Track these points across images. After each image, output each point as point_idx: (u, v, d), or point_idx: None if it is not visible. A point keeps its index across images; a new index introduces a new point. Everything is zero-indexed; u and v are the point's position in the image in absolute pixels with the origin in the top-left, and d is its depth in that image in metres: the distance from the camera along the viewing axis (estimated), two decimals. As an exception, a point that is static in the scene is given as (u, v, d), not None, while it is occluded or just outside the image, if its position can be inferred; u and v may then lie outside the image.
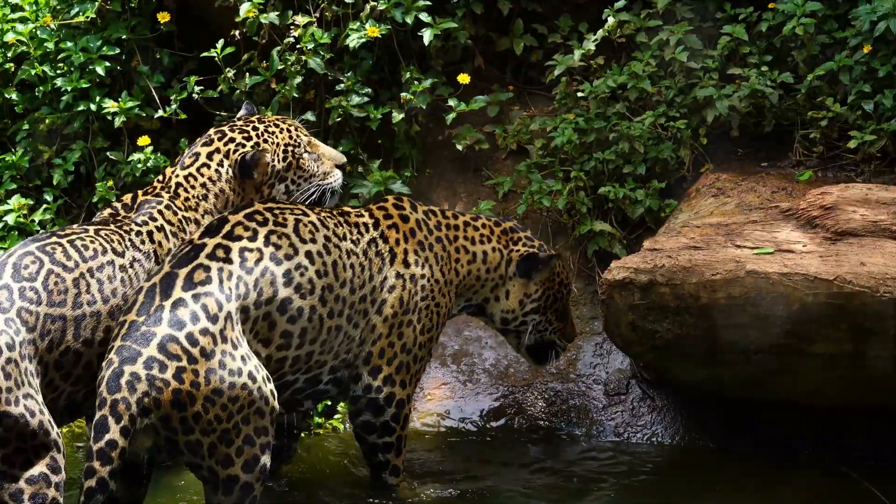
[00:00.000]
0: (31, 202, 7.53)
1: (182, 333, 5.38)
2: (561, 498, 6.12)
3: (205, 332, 5.40)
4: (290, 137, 6.37)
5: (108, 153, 7.64)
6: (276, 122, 6.41)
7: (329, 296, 5.80)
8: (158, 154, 7.51)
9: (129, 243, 5.99)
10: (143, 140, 7.48)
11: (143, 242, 6.04)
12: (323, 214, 5.96)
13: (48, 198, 7.58)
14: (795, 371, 6.19)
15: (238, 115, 6.59)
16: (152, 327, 5.41)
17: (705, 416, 6.67)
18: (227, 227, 5.71)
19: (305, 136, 6.41)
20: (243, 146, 6.32)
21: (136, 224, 6.09)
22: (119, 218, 6.18)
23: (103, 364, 5.44)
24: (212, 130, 6.40)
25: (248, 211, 5.83)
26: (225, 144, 6.34)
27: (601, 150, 7.23)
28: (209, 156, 6.34)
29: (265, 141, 6.37)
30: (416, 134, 7.53)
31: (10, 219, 7.43)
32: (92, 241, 5.90)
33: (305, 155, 6.36)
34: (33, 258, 5.76)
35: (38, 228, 7.39)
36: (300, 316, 5.72)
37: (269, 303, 5.64)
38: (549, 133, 7.37)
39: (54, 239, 5.86)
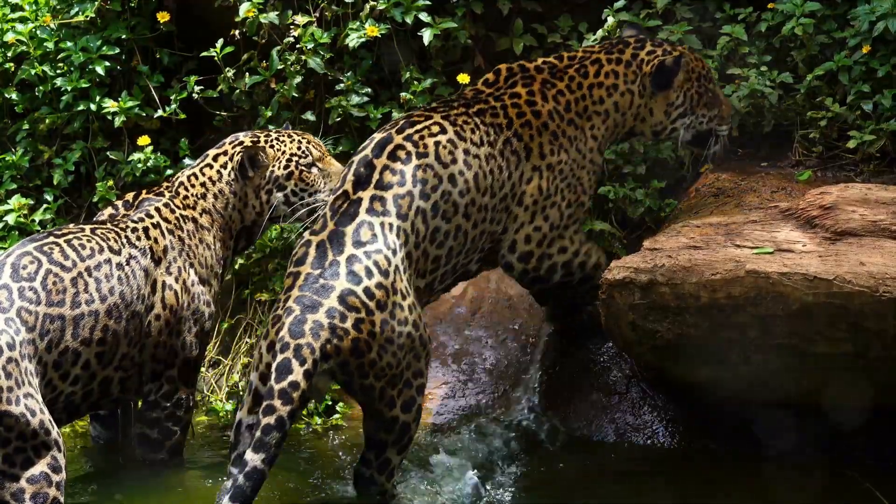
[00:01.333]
0: (32, 202, 7.53)
1: (360, 288, 5.79)
2: (561, 497, 6.12)
3: (379, 286, 5.82)
4: (299, 149, 6.42)
5: (108, 153, 7.64)
6: (292, 134, 6.50)
7: (472, 209, 6.19)
8: (158, 154, 7.52)
9: (125, 240, 6.01)
10: (143, 140, 7.48)
11: (138, 239, 6.06)
12: (460, 121, 6.24)
13: (48, 198, 7.58)
14: (795, 371, 6.19)
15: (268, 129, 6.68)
16: (330, 280, 5.80)
17: (705, 416, 6.67)
18: (377, 175, 6.03)
19: (319, 152, 6.45)
20: (248, 147, 6.38)
21: (132, 221, 6.11)
22: (118, 216, 6.20)
23: (280, 312, 5.73)
24: (228, 138, 6.49)
25: (390, 148, 6.08)
26: (233, 147, 6.41)
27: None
28: (215, 157, 6.40)
29: (270, 147, 6.41)
30: (415, 134, 7.52)
31: (11, 219, 7.43)
32: (89, 240, 5.91)
33: (314, 170, 6.40)
34: (32, 258, 5.76)
35: (39, 228, 7.39)
36: (447, 238, 6.13)
37: (424, 239, 6.05)
38: (549, 133, 7.36)
39: (52, 238, 5.87)
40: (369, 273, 5.83)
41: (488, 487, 6.20)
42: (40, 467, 5.48)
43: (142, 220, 6.13)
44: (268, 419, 5.55)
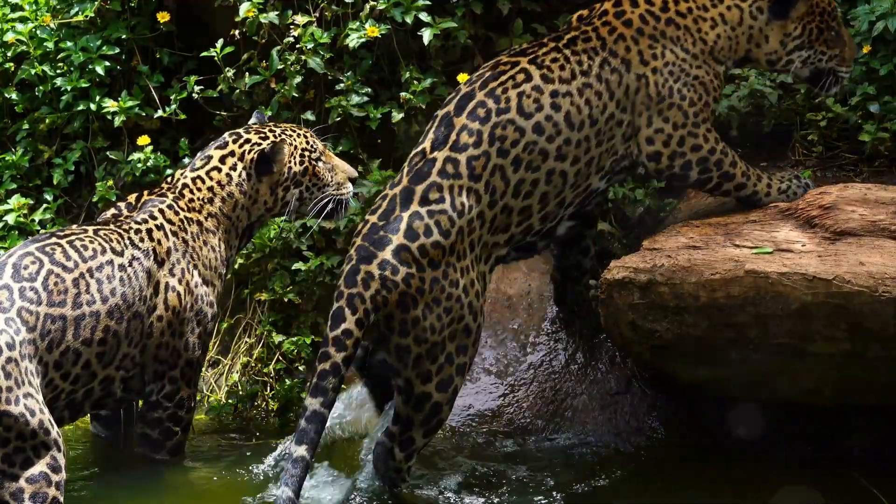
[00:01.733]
0: (31, 202, 7.53)
1: (415, 245, 5.94)
2: (560, 497, 6.12)
3: (436, 245, 5.94)
4: (307, 143, 6.41)
5: (108, 153, 7.64)
6: (293, 127, 6.47)
7: (568, 148, 6.21)
8: (158, 154, 7.52)
9: (127, 242, 6.01)
10: (143, 140, 7.48)
11: (142, 240, 6.05)
12: (548, 60, 6.25)
13: (48, 197, 7.58)
14: (795, 371, 6.19)
15: (250, 122, 6.61)
16: (389, 234, 5.97)
17: (705, 416, 6.67)
18: (454, 136, 6.11)
19: (320, 145, 6.46)
20: (259, 145, 6.33)
21: (136, 222, 6.11)
22: (120, 217, 6.19)
23: (346, 259, 5.97)
24: (227, 134, 6.42)
25: (471, 106, 6.14)
26: (240, 147, 6.35)
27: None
28: (222, 159, 6.35)
29: (282, 138, 6.39)
30: (415, 134, 7.52)
31: (10, 218, 7.43)
32: (91, 241, 5.91)
33: (321, 164, 6.39)
34: (33, 258, 5.77)
35: (38, 228, 7.39)
36: (536, 186, 6.17)
37: (504, 195, 6.11)
38: (549, 133, 7.36)
39: (54, 239, 5.87)
40: (428, 231, 5.96)
41: (488, 486, 6.20)
42: (40, 467, 5.48)
43: (145, 221, 6.13)
44: (323, 365, 5.83)
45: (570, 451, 6.60)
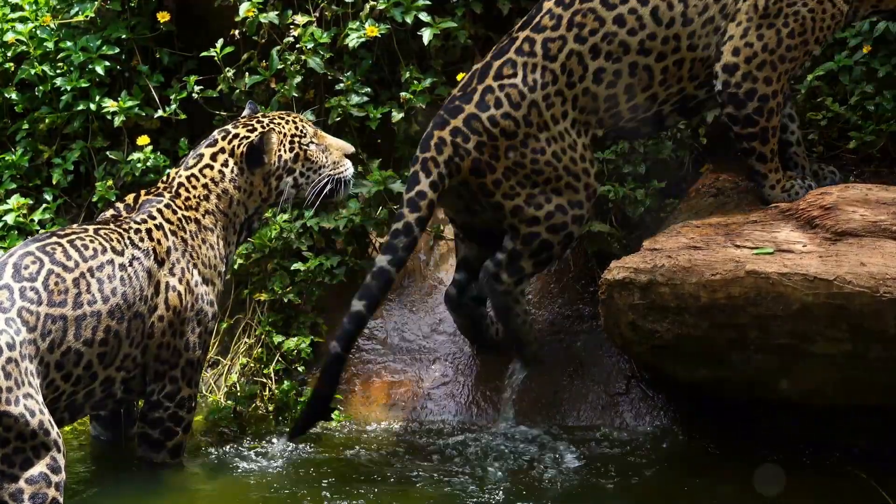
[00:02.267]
0: (31, 202, 7.53)
1: (485, 115, 6.35)
2: (561, 497, 6.12)
3: (506, 116, 6.32)
4: (297, 128, 6.40)
5: (107, 153, 7.64)
6: (281, 115, 6.45)
7: (653, 43, 6.30)
8: (158, 154, 7.51)
9: (127, 241, 6.01)
10: (143, 139, 7.48)
11: (141, 240, 6.05)
12: None
13: (48, 197, 7.58)
14: (795, 371, 6.19)
15: (242, 115, 6.60)
16: (463, 104, 6.42)
17: (705, 416, 6.67)
18: (538, 18, 6.44)
19: (311, 127, 6.44)
20: (247, 138, 6.33)
21: (136, 222, 6.11)
22: (119, 217, 6.19)
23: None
24: (216, 131, 6.42)
25: None
26: (229, 143, 6.36)
27: (600, 149, 7.23)
28: (213, 156, 6.36)
29: (270, 128, 6.37)
30: (415, 133, 7.52)
31: (10, 218, 7.43)
32: (92, 241, 5.91)
33: (313, 146, 6.39)
34: (34, 258, 5.76)
35: (38, 228, 7.39)
36: (619, 77, 6.32)
37: (582, 80, 6.30)
38: (549, 133, 7.36)
39: (54, 239, 5.87)
40: (498, 104, 6.34)
41: (488, 487, 6.20)
42: (39, 468, 5.48)
43: (144, 221, 6.13)
44: (396, 225, 6.31)
45: (571, 452, 6.59)
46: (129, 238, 6.03)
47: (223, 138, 6.39)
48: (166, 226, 6.15)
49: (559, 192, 6.30)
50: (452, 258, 7.33)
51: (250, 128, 6.39)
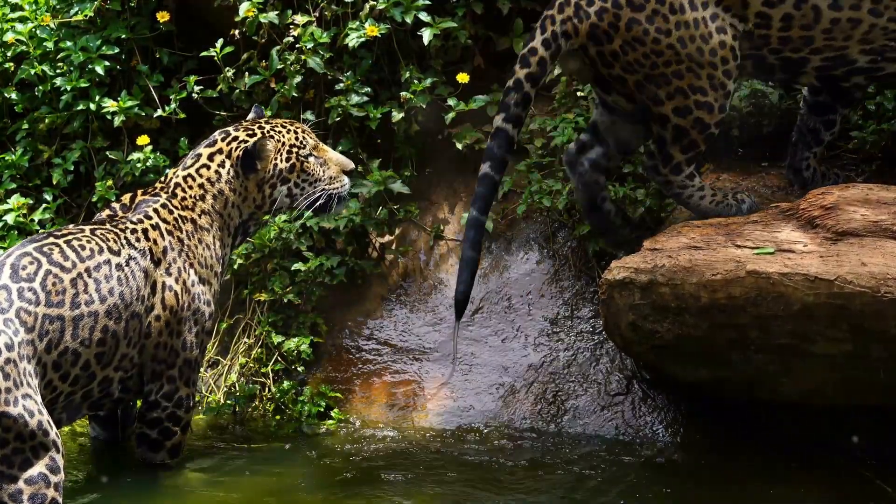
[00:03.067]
0: (31, 201, 7.53)
1: None
2: (561, 498, 6.12)
3: None
4: (296, 139, 6.38)
5: (107, 152, 7.63)
6: (284, 123, 6.43)
7: None
8: (158, 153, 7.51)
9: (124, 241, 6.01)
10: (143, 139, 7.48)
11: (138, 240, 6.05)
12: None
13: (48, 197, 7.58)
14: (796, 371, 6.18)
15: (247, 118, 6.60)
16: None
17: (706, 417, 6.66)
18: None
19: (312, 139, 6.42)
20: (246, 143, 6.33)
21: (132, 222, 6.11)
22: (116, 217, 6.19)
23: None
24: (217, 132, 6.42)
25: None
26: (227, 144, 6.36)
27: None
28: (210, 157, 6.36)
29: (270, 138, 6.37)
30: (415, 133, 7.52)
31: (10, 218, 7.43)
32: (89, 241, 5.91)
33: (311, 159, 6.36)
34: (31, 258, 5.76)
35: (38, 228, 7.39)
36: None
37: None
38: (549, 133, 7.36)
39: (51, 239, 5.87)
40: None
41: (488, 487, 6.19)
42: (38, 468, 5.47)
43: (141, 221, 6.13)
44: (508, 83, 6.33)
45: (571, 452, 6.59)
46: (126, 238, 6.03)
47: (223, 139, 6.39)
48: (162, 225, 6.15)
49: (679, 76, 6.16)
50: (452, 258, 7.33)
51: (251, 132, 6.39)
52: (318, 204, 6.41)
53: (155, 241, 6.09)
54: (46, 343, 5.67)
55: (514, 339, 7.12)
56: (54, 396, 5.76)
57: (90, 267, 5.87)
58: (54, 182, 7.60)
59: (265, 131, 6.40)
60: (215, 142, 6.40)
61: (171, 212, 6.21)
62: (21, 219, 7.43)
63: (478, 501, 6.08)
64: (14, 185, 7.64)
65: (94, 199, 7.49)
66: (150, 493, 6.09)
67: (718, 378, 6.34)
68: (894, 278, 5.92)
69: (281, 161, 6.35)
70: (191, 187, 6.31)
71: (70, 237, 5.91)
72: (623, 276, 6.23)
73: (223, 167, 6.35)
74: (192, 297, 6.17)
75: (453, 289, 6.96)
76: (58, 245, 5.85)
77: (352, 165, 6.52)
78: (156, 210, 6.20)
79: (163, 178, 6.41)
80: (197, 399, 7.00)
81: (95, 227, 6.05)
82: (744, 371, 6.24)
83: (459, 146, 7.48)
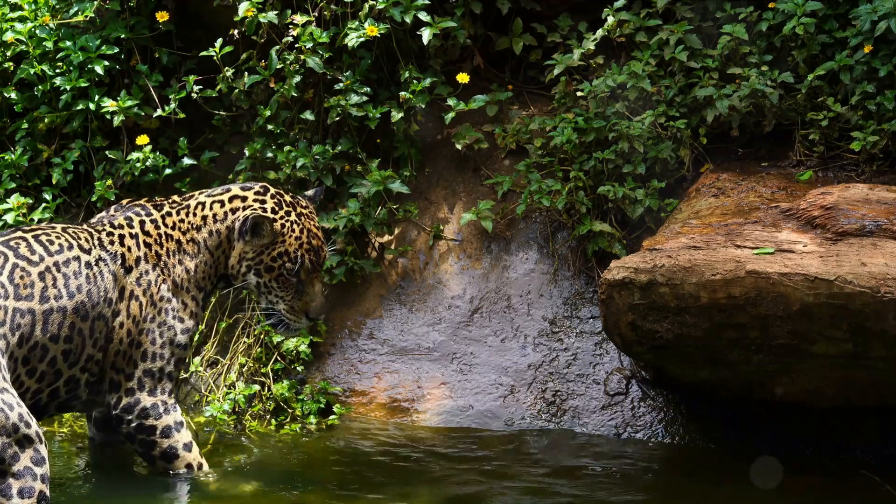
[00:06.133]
0: (31, 201, 7.52)
1: None
2: (561, 497, 6.11)
3: None
4: (296, 252, 6.13)
5: (106, 152, 7.63)
6: (312, 228, 6.17)
7: None
8: (157, 153, 7.51)
9: (96, 242, 5.99)
10: (142, 139, 7.47)
11: (111, 243, 6.02)
12: None
13: (47, 197, 7.57)
14: (796, 371, 6.18)
15: (307, 192, 6.42)
16: None
17: (705, 416, 6.66)
18: None
19: (313, 265, 6.17)
20: (263, 213, 6.12)
21: (111, 226, 6.09)
22: (100, 218, 6.17)
23: None
24: (260, 184, 6.24)
25: None
26: (253, 200, 6.19)
27: (601, 149, 7.22)
28: (232, 198, 6.20)
29: (281, 226, 6.18)
30: (414, 133, 7.51)
31: (10, 217, 7.42)
32: (58, 237, 5.90)
33: (293, 279, 6.14)
34: None
35: (37, 228, 7.39)
36: None
37: None
38: (549, 132, 7.35)
39: (19, 233, 5.88)
40: None
41: (487, 487, 6.18)
42: (24, 461, 5.44)
43: (120, 226, 6.09)
44: None
45: (570, 452, 6.58)
46: (99, 239, 6.01)
47: (254, 192, 6.22)
48: (142, 237, 6.09)
49: None
50: (452, 258, 7.33)
51: (279, 206, 6.19)
52: (269, 317, 6.24)
53: (129, 249, 6.04)
54: (19, 337, 5.66)
55: (514, 338, 7.12)
56: (22, 393, 5.72)
57: (59, 262, 5.86)
58: (54, 181, 7.60)
59: (288, 220, 6.16)
60: (249, 189, 6.25)
61: (157, 227, 6.14)
62: (21, 218, 7.42)
63: (477, 501, 6.07)
64: (14, 185, 7.64)
65: (94, 198, 7.48)
66: (149, 493, 6.08)
67: (718, 378, 6.33)
68: (894, 278, 5.92)
69: (267, 256, 6.16)
70: (195, 214, 6.22)
71: (38, 233, 5.91)
72: (623, 276, 6.23)
73: (233, 214, 6.22)
74: (157, 311, 6.06)
75: (452, 288, 6.99)
76: (24, 240, 5.85)
77: (320, 317, 6.29)
78: (141, 221, 6.13)
79: (186, 195, 6.30)
80: (196, 399, 6.98)
81: (68, 225, 6.04)
82: (744, 371, 6.24)
83: (459, 146, 7.48)
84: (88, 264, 5.93)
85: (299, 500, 6.05)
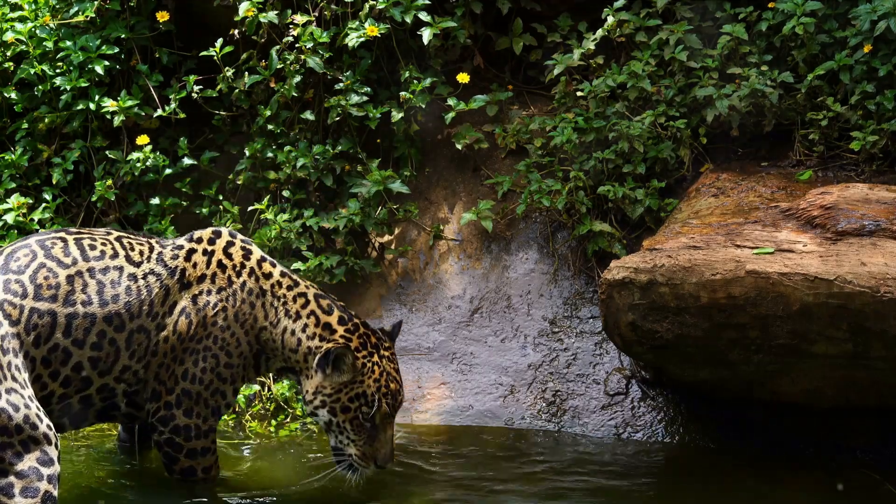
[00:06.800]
0: (31, 201, 7.52)
1: None
2: (560, 497, 6.11)
3: None
4: (373, 395, 5.90)
5: (107, 152, 7.63)
6: (393, 371, 5.97)
7: None
8: (157, 153, 7.51)
9: (155, 256, 5.86)
10: (142, 139, 7.47)
11: (174, 258, 5.87)
12: None
13: (47, 197, 7.57)
14: (796, 371, 6.18)
15: (396, 323, 6.18)
16: None
17: (705, 416, 6.66)
18: None
19: (394, 409, 5.96)
20: (348, 347, 5.89)
21: (184, 240, 5.94)
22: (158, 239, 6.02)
23: None
24: (355, 324, 5.99)
25: None
26: (347, 329, 5.96)
27: (601, 149, 7.22)
28: (321, 309, 5.99)
29: (363, 365, 5.94)
30: (415, 133, 7.52)
31: (10, 217, 7.42)
32: (104, 244, 5.83)
33: (367, 425, 5.92)
34: (28, 251, 5.72)
35: (38, 227, 7.38)
36: None
37: None
38: (549, 132, 7.36)
39: (61, 234, 5.83)
40: None
41: (487, 488, 6.18)
42: (30, 462, 5.43)
43: (191, 241, 5.93)
44: None
45: (570, 452, 6.58)
46: (160, 253, 5.89)
47: (355, 329, 5.94)
48: (216, 257, 5.93)
49: None
50: (452, 258, 7.33)
51: (365, 343, 5.95)
52: (339, 460, 5.99)
53: (194, 265, 5.93)
54: (35, 337, 5.62)
55: (514, 338, 7.12)
56: (46, 395, 5.70)
57: (95, 268, 5.78)
58: (54, 181, 7.59)
59: (370, 359, 5.92)
60: (344, 311, 6.03)
61: (244, 266, 5.95)
62: (21, 218, 7.42)
63: (477, 501, 6.07)
64: (14, 185, 7.63)
65: (94, 198, 7.48)
66: (148, 493, 6.08)
67: (718, 378, 6.33)
68: (894, 278, 5.92)
69: (343, 396, 5.91)
70: (281, 286, 5.98)
71: (83, 236, 5.83)
72: (623, 276, 6.23)
73: (308, 330, 5.97)
74: (207, 334, 5.94)
75: (452, 288, 6.98)
76: (64, 241, 5.79)
77: (388, 464, 5.96)
78: (224, 249, 5.96)
79: (296, 280, 6.07)
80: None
81: (124, 234, 5.92)
82: (744, 371, 6.24)
83: (459, 146, 7.48)
84: (133, 276, 5.79)
85: (300, 498, 6.05)
